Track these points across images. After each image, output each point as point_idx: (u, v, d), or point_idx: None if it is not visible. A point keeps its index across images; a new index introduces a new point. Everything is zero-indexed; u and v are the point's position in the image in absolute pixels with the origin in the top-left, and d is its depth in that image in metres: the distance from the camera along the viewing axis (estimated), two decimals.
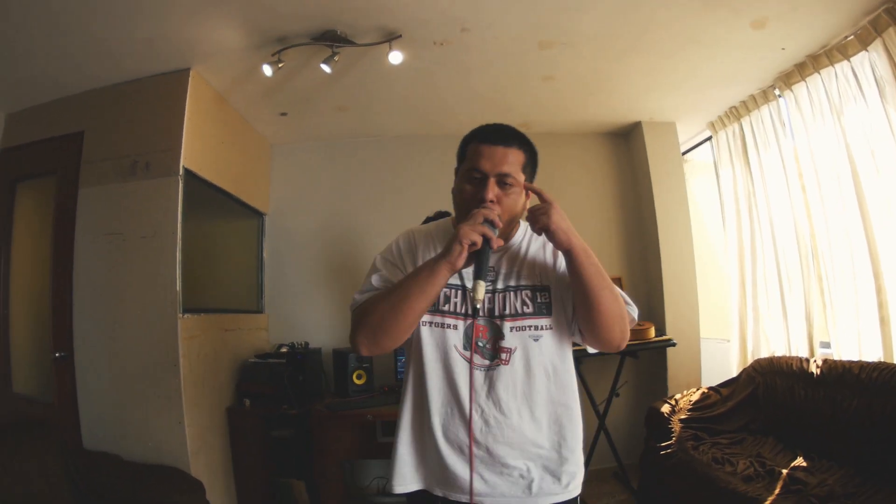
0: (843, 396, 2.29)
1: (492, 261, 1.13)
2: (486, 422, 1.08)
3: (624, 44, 2.53)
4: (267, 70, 2.40)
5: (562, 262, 1.13)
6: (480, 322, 1.11)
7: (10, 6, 2.02)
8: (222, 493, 2.67)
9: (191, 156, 2.52)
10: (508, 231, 1.17)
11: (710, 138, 3.60)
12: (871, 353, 2.39)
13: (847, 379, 2.31)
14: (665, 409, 2.84)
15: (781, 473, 2.19)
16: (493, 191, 1.08)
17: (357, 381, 2.95)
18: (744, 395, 2.84)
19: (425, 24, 2.30)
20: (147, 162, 2.49)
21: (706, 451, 2.49)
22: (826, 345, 2.73)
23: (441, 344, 1.11)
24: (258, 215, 3.55)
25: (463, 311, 1.13)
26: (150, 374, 2.42)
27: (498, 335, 1.11)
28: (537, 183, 1.18)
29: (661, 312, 3.39)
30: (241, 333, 3.13)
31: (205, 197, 2.79)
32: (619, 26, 2.38)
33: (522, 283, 1.15)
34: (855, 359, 2.41)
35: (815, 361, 2.53)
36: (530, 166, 1.16)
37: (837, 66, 2.47)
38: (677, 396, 2.95)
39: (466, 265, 1.02)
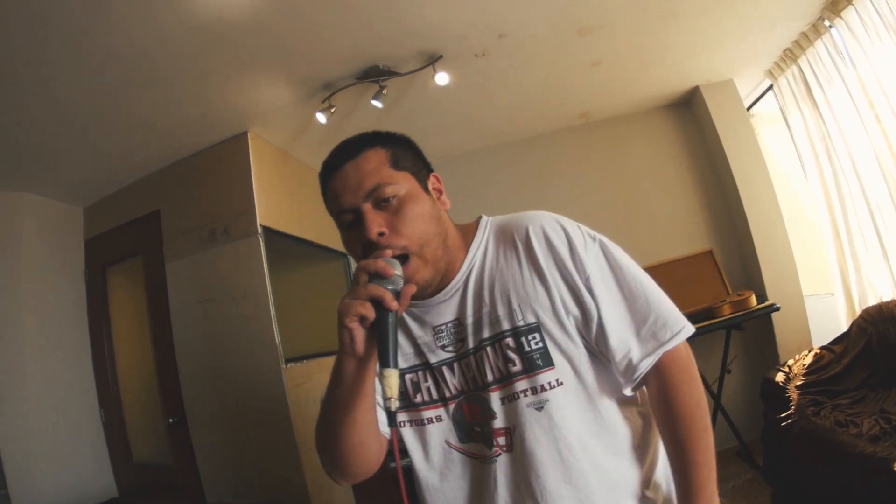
0: None
1: (442, 313, 0.87)
2: None
3: (660, 10, 2.57)
4: (321, 118, 2.60)
5: (556, 284, 0.83)
6: (466, 400, 0.87)
7: (54, 113, 2.27)
8: None
9: (266, 213, 2.75)
10: (437, 258, 0.84)
11: (771, 87, 3.57)
12: None
13: None
14: (779, 377, 2.84)
15: None
16: (374, 222, 0.79)
17: None
18: (858, 350, 2.80)
19: (462, 40, 2.43)
20: (225, 227, 2.73)
21: (828, 416, 2.47)
22: None
23: (433, 443, 0.89)
24: (342, 256, 3.77)
25: (438, 395, 0.89)
26: (264, 425, 2.65)
27: (488, 413, 0.84)
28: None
29: (758, 278, 3.37)
30: None
31: (287, 248, 3.02)
32: None
33: (498, 329, 0.83)
34: None
35: None
36: (407, 158, 0.89)
37: None
38: (790, 362, 2.94)
39: (376, 345, 0.74)
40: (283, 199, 3.01)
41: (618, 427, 0.84)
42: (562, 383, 0.81)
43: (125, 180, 3.04)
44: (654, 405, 0.84)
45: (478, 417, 0.85)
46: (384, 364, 0.71)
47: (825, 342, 3.02)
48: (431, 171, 0.93)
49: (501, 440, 0.83)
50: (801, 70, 3.19)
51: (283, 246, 2.97)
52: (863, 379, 2.72)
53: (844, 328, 3.05)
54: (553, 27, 2.51)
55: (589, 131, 3.77)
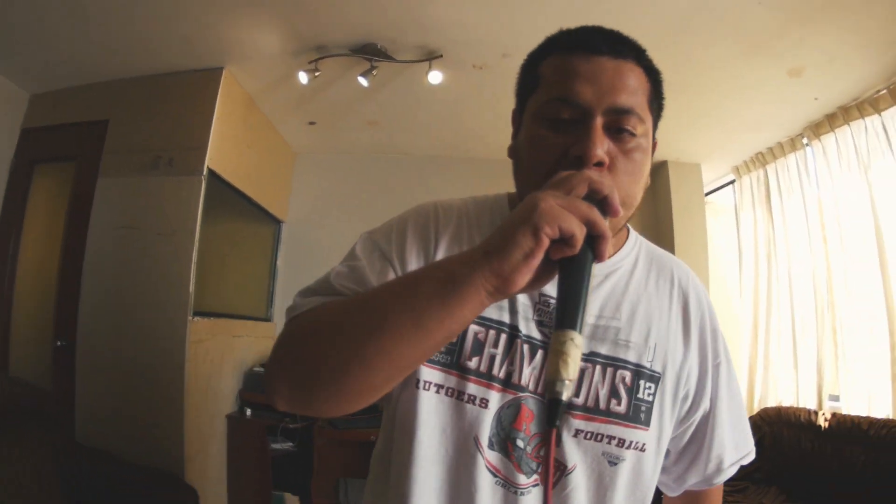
0: (851, 451, 2.37)
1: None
2: None
3: (665, 78, 2.64)
4: (303, 77, 2.51)
5: (698, 351, 0.71)
6: (529, 402, 0.64)
7: None
8: (215, 502, 2.72)
9: (216, 156, 2.62)
10: (619, 229, 0.68)
11: (733, 182, 3.74)
12: (880, 409, 2.48)
13: (855, 434, 2.39)
14: None
15: None
16: (602, 142, 0.58)
17: None
18: None
19: (467, 47, 2.42)
20: (171, 158, 2.58)
21: None
22: (835, 398, 2.83)
23: (454, 429, 0.63)
24: (276, 222, 3.66)
25: (504, 375, 0.64)
26: (154, 373, 2.49)
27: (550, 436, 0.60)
28: None
29: None
30: (249, 341, 3.21)
31: (224, 198, 2.89)
32: (654, 61, 2.48)
33: (622, 354, 0.66)
34: (864, 414, 2.50)
35: (823, 414, 2.63)
36: (657, 103, 0.68)
37: (868, 119, 2.60)
38: None
39: (534, 287, 0.50)
40: (237, 148, 2.89)
41: None
42: (644, 450, 0.65)
43: (83, 79, 2.83)
44: None
45: (528, 430, 0.63)
46: (569, 324, 0.46)
47: None
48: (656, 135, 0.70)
49: (554, 474, 0.63)
50: (766, 175, 3.35)
51: (223, 194, 2.84)
52: (747, 472, 2.84)
53: None
54: None
55: None
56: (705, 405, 0.71)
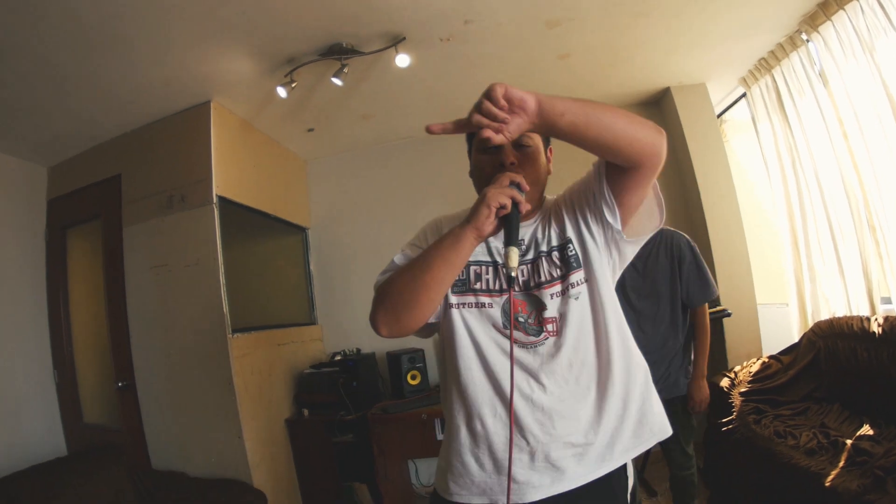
0: None
1: (520, 232, 1.10)
2: (542, 408, 1.04)
3: (633, 8, 2.59)
4: (281, 92, 2.64)
5: (574, 210, 1.13)
6: (518, 296, 1.09)
7: (24, 73, 2.34)
8: (287, 501, 2.93)
9: (223, 183, 2.81)
10: (535, 199, 1.15)
11: (744, 95, 3.60)
12: None
13: None
14: (724, 383, 2.90)
15: (846, 445, 2.17)
16: (511, 154, 1.10)
17: (412, 382, 3.18)
18: (805, 362, 2.86)
19: (427, 23, 2.47)
20: (182, 195, 2.79)
21: (768, 425, 2.52)
22: (887, 300, 2.72)
23: (477, 325, 1.09)
24: (301, 230, 3.86)
25: (497, 286, 1.11)
26: (207, 393, 2.72)
27: (539, 306, 1.08)
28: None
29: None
30: (297, 346, 3.41)
31: (242, 219, 3.08)
32: None
33: (550, 245, 1.12)
34: None
35: (876, 320, 2.52)
36: None
37: None
38: (737, 368, 2.99)
39: (494, 232, 1.01)
40: (243, 170, 3.07)
41: (620, 316, 1.12)
42: (587, 280, 1.09)
43: (89, 143, 3.10)
44: None
45: (524, 310, 1.09)
46: (512, 243, 0.96)
47: (775, 352, 3.07)
48: (550, 144, 1.22)
49: (550, 328, 1.07)
50: (774, 80, 3.22)
51: (240, 216, 3.03)
52: (807, 392, 2.78)
53: (796, 339, 3.11)
54: (520, 16, 2.54)
55: None
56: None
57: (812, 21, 2.77)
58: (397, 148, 3.94)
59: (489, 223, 0.98)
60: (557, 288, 1.08)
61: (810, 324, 3.11)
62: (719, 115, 3.76)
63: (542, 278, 1.09)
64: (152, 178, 2.90)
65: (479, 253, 1.14)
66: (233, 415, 2.65)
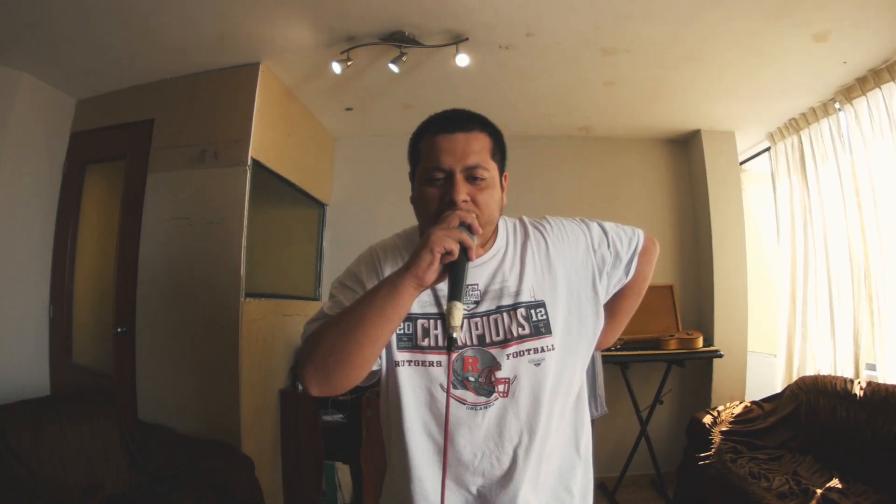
0: (885, 420, 2.43)
1: (470, 276, 1.00)
2: (483, 473, 0.98)
3: (684, 52, 2.72)
4: (336, 68, 2.66)
5: (563, 272, 1.05)
6: (469, 353, 0.99)
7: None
8: (269, 471, 2.96)
9: (259, 147, 2.81)
10: (487, 238, 1.04)
11: (768, 149, 3.76)
12: None
13: (890, 403, 2.45)
14: (707, 419, 3.03)
15: (815, 493, 2.32)
16: (462, 190, 0.94)
17: None
18: (786, 412, 3.01)
19: (492, 28, 2.52)
20: (216, 151, 2.78)
21: (744, 465, 2.66)
22: (872, 367, 2.88)
23: (427, 385, 0.98)
24: (320, 206, 3.88)
25: (445, 343, 0.93)
26: (210, 353, 2.73)
27: (492, 365, 0.98)
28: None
29: (710, 323, 3.58)
30: (300, 320, 3.42)
31: (269, 186, 3.08)
32: (680, 35, 2.56)
33: (512, 301, 1.01)
34: None
35: (859, 383, 2.68)
36: (499, 152, 1.04)
37: None
38: (720, 408, 3.13)
39: (438, 280, 0.86)
40: (278, 137, 3.07)
41: (582, 390, 1.08)
42: (554, 348, 0.99)
43: (125, 82, 3.05)
44: None
45: (475, 368, 0.99)
46: (456, 297, 0.81)
47: (757, 398, 3.22)
48: (505, 170, 1.08)
49: (502, 388, 0.98)
50: (800, 141, 3.37)
51: (268, 182, 3.03)
52: (784, 440, 2.93)
53: (779, 389, 3.26)
54: (580, 39, 2.62)
55: (586, 145, 3.96)
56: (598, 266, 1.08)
57: (848, 93, 2.91)
58: None
59: (432, 271, 0.83)
60: (516, 348, 0.98)
61: (794, 377, 3.27)
62: (741, 164, 3.90)
63: (501, 336, 0.99)
64: (187, 129, 2.88)
65: (427, 304, 1.02)
66: (234, 378, 2.66)
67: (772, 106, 3.30)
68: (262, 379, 2.92)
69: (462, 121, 1.00)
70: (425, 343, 0.99)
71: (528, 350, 0.98)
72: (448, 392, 0.90)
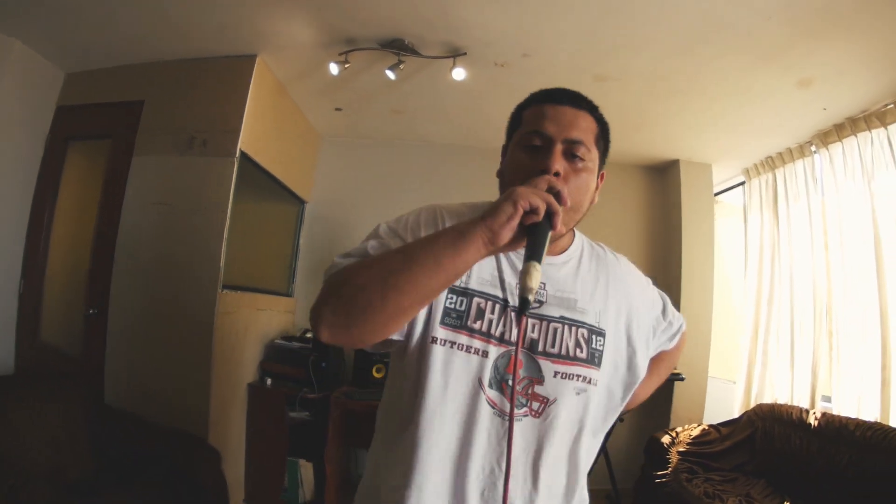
0: (837, 450, 2.56)
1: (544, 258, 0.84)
2: (482, 493, 0.83)
3: (672, 85, 2.81)
4: (333, 69, 2.68)
5: (630, 312, 0.96)
6: (518, 355, 0.84)
7: None
8: (233, 465, 2.95)
9: (248, 139, 2.81)
10: (569, 228, 0.93)
11: (742, 183, 3.91)
12: (869, 412, 2.67)
13: (843, 434, 2.58)
14: (665, 439, 3.13)
15: None
16: (559, 161, 0.84)
17: (376, 375, 3.24)
18: (742, 437, 3.13)
19: (490, 46, 2.58)
20: (205, 140, 2.77)
21: (699, 485, 2.76)
22: (827, 399, 3.03)
23: (462, 375, 0.84)
24: (300, 202, 3.88)
25: (499, 333, 0.86)
26: (183, 342, 2.71)
27: (535, 376, 0.86)
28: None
29: None
30: (272, 315, 3.43)
31: (254, 178, 3.08)
32: (670, 68, 2.66)
33: (579, 317, 0.90)
34: (853, 416, 2.69)
35: (814, 413, 2.82)
36: (603, 143, 0.94)
37: (874, 131, 2.76)
38: (678, 429, 3.24)
39: (512, 244, 0.73)
40: (267, 132, 3.08)
41: (599, 439, 0.96)
42: (596, 384, 0.89)
43: (119, 60, 3.01)
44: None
45: (518, 374, 0.84)
46: (534, 258, 0.70)
47: (715, 422, 3.34)
48: (603, 168, 0.97)
49: (536, 406, 0.86)
50: (774, 179, 3.51)
51: (253, 175, 3.04)
52: (739, 463, 3.05)
53: (736, 415, 3.39)
54: (573, 64, 2.69)
55: None
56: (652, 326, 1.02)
57: (825, 137, 3.05)
58: (415, 148, 4.04)
59: (509, 228, 0.70)
60: (567, 369, 0.87)
61: (752, 404, 3.40)
62: (715, 195, 4.03)
63: (556, 349, 0.87)
64: (178, 114, 2.86)
65: (488, 283, 0.88)
66: (205, 368, 2.64)
67: (750, 142, 3.43)
68: (233, 372, 2.91)
69: (572, 96, 0.91)
70: (476, 326, 0.85)
71: (578, 376, 0.87)
72: (514, 375, 0.77)
